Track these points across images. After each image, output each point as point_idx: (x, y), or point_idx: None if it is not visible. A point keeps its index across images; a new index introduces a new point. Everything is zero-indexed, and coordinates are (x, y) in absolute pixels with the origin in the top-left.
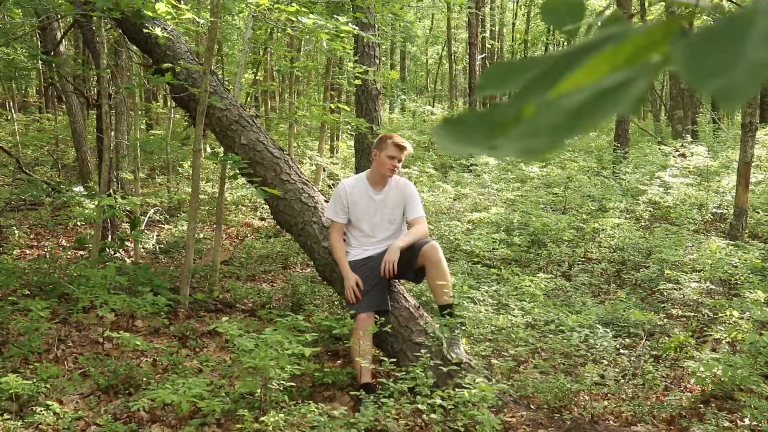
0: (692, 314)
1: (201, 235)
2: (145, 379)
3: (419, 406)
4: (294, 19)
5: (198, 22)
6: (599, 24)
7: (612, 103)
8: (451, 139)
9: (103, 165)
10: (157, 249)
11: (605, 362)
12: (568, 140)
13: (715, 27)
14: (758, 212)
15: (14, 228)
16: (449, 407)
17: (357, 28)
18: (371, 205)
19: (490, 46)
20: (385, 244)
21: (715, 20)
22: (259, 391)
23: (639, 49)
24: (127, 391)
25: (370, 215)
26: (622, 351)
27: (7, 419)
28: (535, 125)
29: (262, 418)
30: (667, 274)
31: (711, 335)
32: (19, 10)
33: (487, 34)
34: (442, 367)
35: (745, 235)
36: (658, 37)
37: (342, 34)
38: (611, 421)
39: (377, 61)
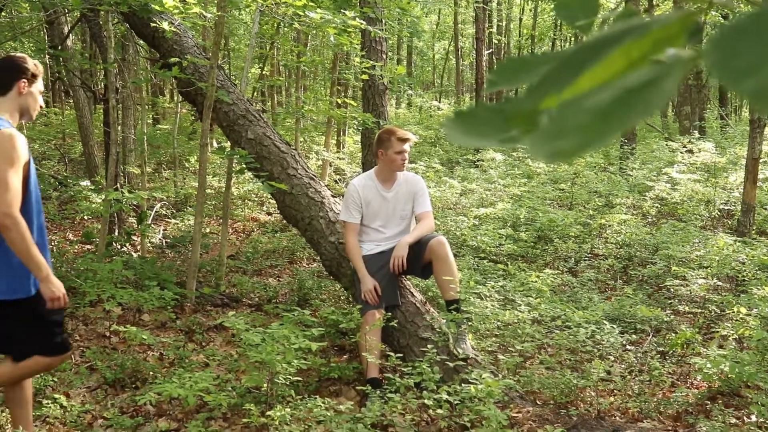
0: (699, 311)
1: (207, 230)
2: (151, 373)
3: (425, 401)
4: (301, 13)
5: (205, 17)
6: (612, 19)
7: (642, 104)
8: (461, 132)
9: (110, 159)
10: (164, 243)
11: (612, 358)
12: (599, 143)
13: (743, 23)
14: (766, 209)
15: None
16: (455, 402)
17: (364, 22)
18: (383, 202)
19: (497, 42)
20: (397, 240)
21: (741, 15)
22: (265, 385)
23: (659, 44)
24: (133, 385)
25: (382, 213)
26: (628, 347)
27: None
28: (561, 126)
29: (268, 413)
30: (674, 270)
31: (718, 332)
32: (27, 5)
33: (494, 29)
34: (448, 363)
35: (753, 232)
36: (676, 31)
37: (349, 29)
38: (617, 417)
39: (384, 56)
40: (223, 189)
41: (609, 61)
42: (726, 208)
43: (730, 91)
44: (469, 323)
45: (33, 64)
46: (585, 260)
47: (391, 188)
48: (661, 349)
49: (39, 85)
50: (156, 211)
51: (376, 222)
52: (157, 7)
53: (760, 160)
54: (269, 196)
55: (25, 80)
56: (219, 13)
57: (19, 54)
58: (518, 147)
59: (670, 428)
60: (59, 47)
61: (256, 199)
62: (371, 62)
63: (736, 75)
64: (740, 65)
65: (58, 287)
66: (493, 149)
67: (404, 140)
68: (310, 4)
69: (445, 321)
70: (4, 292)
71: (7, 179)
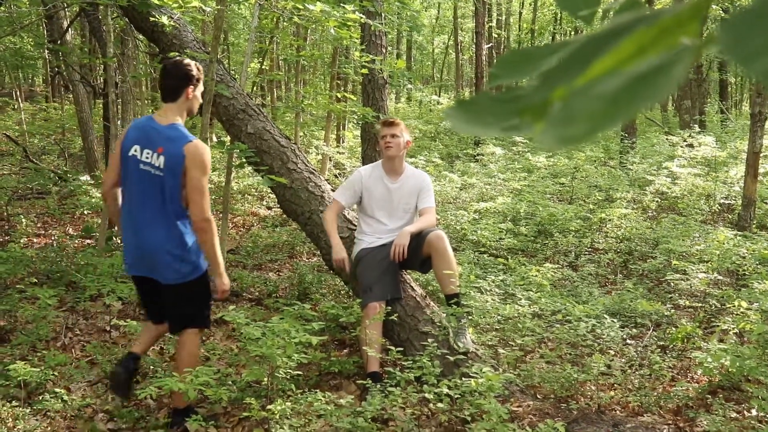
0: (699, 305)
1: None
2: (152, 367)
3: (426, 395)
4: (301, 7)
5: (204, 11)
6: (616, 9)
7: (650, 89)
8: (463, 121)
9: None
10: None
11: (612, 352)
12: (607, 129)
13: (754, 7)
14: (766, 203)
15: (21, 217)
16: (456, 396)
17: (363, 16)
18: (386, 193)
19: (496, 36)
20: (398, 231)
21: (751, 1)
22: (265, 379)
23: (669, 32)
24: (134, 379)
25: (385, 203)
26: (628, 341)
27: (16, 406)
28: (570, 112)
29: (268, 407)
30: (675, 264)
31: (718, 326)
32: None
33: (494, 24)
34: (448, 357)
35: (753, 226)
36: (687, 19)
37: (349, 23)
38: (618, 411)
39: (384, 51)
40: (223, 183)
41: (619, 49)
42: (726, 202)
43: (730, 82)
44: (470, 317)
45: (196, 69)
46: (585, 254)
47: (396, 180)
48: (661, 343)
49: (201, 87)
50: None
51: (379, 212)
52: (156, 1)
53: (761, 154)
54: (269, 190)
55: (192, 86)
56: (218, 7)
57: (185, 60)
58: (518, 141)
59: (670, 422)
60: (58, 42)
61: (256, 193)
62: (371, 56)
63: (748, 56)
64: (752, 47)
65: (228, 282)
66: (493, 143)
67: (387, 124)
68: None
69: (445, 315)
70: (197, 270)
71: (203, 187)
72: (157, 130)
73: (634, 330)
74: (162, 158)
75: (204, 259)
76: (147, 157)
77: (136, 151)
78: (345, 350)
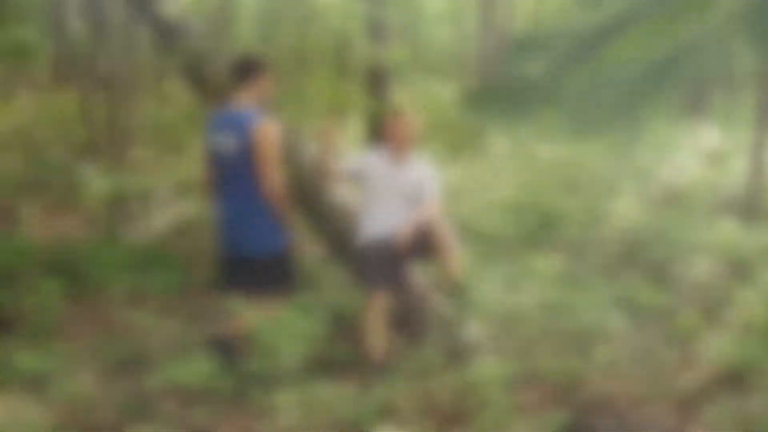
0: (705, 295)
1: None
2: (157, 356)
3: (430, 385)
4: None
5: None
6: None
7: (673, 77)
8: (474, 110)
9: (115, 143)
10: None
11: (617, 343)
12: (628, 117)
13: None
14: None
15: (26, 207)
16: (460, 386)
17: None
18: (391, 179)
19: (502, 28)
20: (402, 221)
21: None
22: (270, 368)
23: (681, 17)
24: (139, 369)
25: (389, 189)
26: (633, 331)
27: (21, 396)
28: (588, 101)
29: (273, 396)
30: (680, 254)
31: (724, 316)
32: None
33: (500, 15)
34: (453, 347)
35: (761, 216)
36: (701, 3)
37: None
38: (622, 402)
39: (388, 41)
40: None
41: (634, 34)
42: (733, 192)
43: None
44: (474, 307)
45: (264, 58)
46: (590, 245)
47: (401, 168)
48: (666, 333)
49: (269, 74)
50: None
51: (382, 198)
52: None
53: None
54: None
55: (261, 73)
56: None
57: (254, 52)
58: (524, 131)
59: (674, 412)
60: (63, 29)
61: None
62: (375, 47)
63: None
64: None
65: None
66: (498, 133)
67: (397, 115)
68: None
69: (449, 305)
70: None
71: (273, 162)
72: (230, 116)
73: (639, 320)
74: (234, 140)
75: (281, 240)
76: (224, 142)
77: (216, 139)
78: (349, 339)
